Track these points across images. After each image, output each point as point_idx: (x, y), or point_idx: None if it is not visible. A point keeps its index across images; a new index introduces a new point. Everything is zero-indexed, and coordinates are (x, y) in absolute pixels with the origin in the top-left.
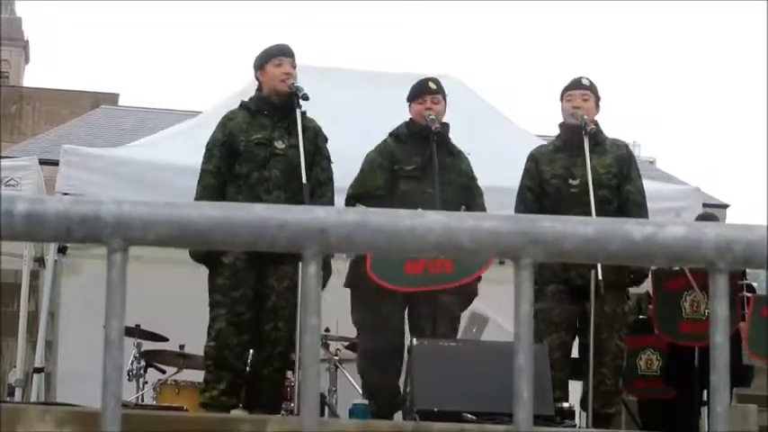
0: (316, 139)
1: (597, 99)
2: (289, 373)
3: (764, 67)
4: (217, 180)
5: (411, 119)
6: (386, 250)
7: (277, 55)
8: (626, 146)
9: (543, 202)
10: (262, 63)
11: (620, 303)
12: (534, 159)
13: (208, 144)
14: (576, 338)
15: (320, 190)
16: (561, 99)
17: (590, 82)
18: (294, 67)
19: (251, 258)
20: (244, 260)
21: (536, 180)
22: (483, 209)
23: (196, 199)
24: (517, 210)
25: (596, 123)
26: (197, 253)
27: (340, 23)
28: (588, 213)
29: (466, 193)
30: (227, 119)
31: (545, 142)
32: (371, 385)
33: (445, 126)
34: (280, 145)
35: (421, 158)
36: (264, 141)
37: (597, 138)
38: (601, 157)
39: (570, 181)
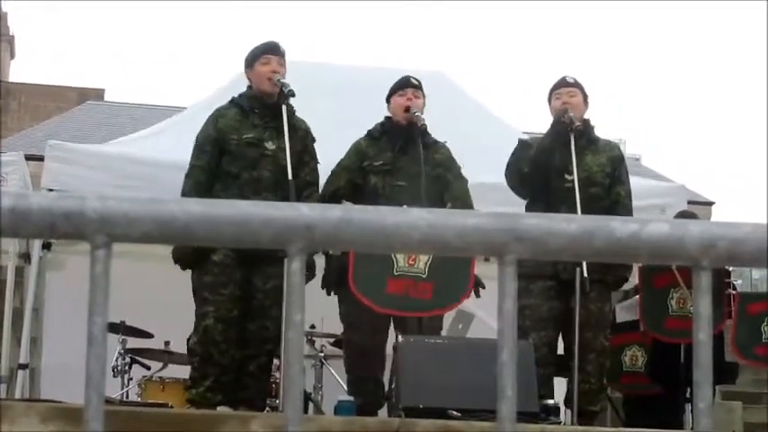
0: (305, 139)
1: (585, 96)
2: (274, 370)
3: (750, 67)
4: (206, 177)
5: (387, 117)
6: (371, 247)
7: (265, 53)
8: (618, 146)
9: (538, 193)
10: (251, 62)
11: (606, 302)
12: (531, 146)
13: (198, 139)
14: (561, 336)
15: (307, 191)
16: (549, 100)
17: (575, 80)
18: (282, 65)
19: (239, 257)
20: (233, 258)
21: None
22: (462, 193)
23: (185, 193)
24: (516, 154)
25: (588, 122)
26: (183, 258)
27: (327, 18)
28: (580, 209)
29: (441, 184)
30: (219, 115)
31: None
32: (356, 380)
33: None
34: (270, 146)
35: (391, 153)
36: (255, 141)
37: (590, 136)
38: (595, 156)
39: (566, 176)
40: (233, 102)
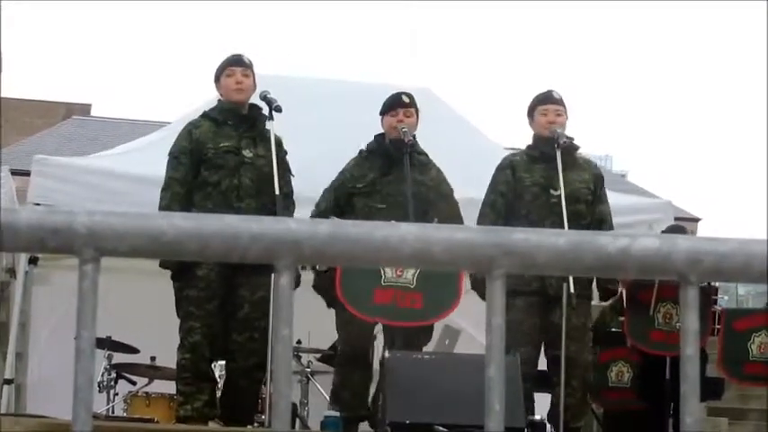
0: (279, 151)
1: (566, 111)
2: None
3: (737, 83)
4: (184, 188)
5: (381, 134)
6: (359, 261)
7: (229, 65)
8: (597, 165)
9: (519, 210)
10: (218, 76)
11: (588, 317)
12: (512, 167)
13: (173, 152)
14: (543, 351)
15: (285, 202)
16: (532, 111)
17: (560, 96)
18: (248, 75)
19: (223, 270)
20: (217, 272)
21: (512, 187)
22: (450, 213)
23: (164, 206)
24: (485, 218)
25: (572, 138)
26: (168, 264)
27: (311, 33)
28: (563, 224)
29: (423, 203)
30: (193, 127)
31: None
32: (338, 391)
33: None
34: (248, 153)
35: (374, 174)
36: (233, 149)
37: (571, 151)
38: (579, 172)
39: (551, 191)
40: (204, 115)
